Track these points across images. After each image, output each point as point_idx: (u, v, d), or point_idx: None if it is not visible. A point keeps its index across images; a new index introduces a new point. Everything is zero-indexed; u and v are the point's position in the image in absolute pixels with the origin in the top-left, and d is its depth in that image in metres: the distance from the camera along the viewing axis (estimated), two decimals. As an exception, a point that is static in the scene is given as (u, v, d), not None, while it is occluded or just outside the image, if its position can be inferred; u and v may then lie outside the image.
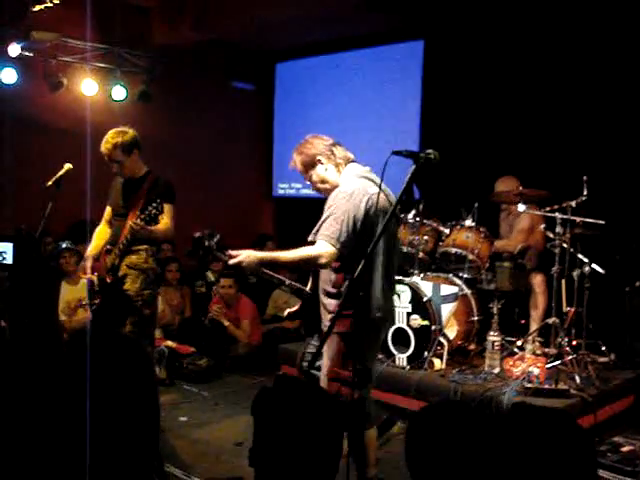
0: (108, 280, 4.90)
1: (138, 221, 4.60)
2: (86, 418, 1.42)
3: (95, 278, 4.94)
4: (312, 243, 3.61)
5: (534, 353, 5.70)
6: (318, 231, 3.60)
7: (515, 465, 1.68)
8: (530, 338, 5.86)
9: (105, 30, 8.06)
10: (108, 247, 4.94)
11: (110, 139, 4.86)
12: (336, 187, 3.76)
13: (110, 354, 1.59)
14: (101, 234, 5.12)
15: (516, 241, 6.31)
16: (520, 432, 1.76)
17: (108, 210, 5.16)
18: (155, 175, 5.00)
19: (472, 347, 6.14)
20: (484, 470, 1.76)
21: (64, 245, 6.71)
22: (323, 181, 3.82)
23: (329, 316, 3.65)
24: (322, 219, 3.64)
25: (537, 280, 6.28)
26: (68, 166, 5.14)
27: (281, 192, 10.01)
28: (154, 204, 4.54)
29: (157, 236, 4.95)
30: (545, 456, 1.65)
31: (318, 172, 3.81)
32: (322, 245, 3.53)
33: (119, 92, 8.19)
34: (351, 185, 3.70)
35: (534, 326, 6.13)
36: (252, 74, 9.91)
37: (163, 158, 5.42)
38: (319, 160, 3.80)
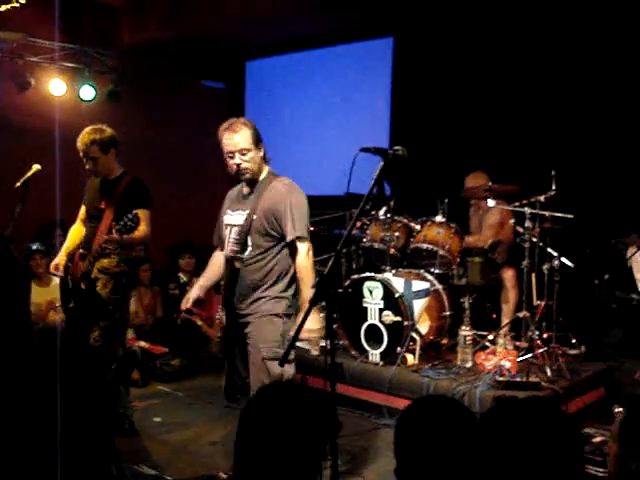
0: (83, 286, 4.86)
1: (114, 233, 4.56)
2: (53, 412, 1.43)
3: (62, 274, 4.90)
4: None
5: (505, 347, 5.74)
6: (295, 228, 3.80)
7: (507, 457, 1.70)
8: (501, 332, 5.90)
9: (73, 30, 7.97)
10: (82, 252, 4.89)
11: (87, 135, 4.83)
12: (257, 175, 3.94)
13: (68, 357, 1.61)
14: (76, 233, 5.09)
15: (486, 236, 6.36)
16: (506, 423, 1.78)
17: (83, 209, 5.12)
18: (130, 177, 4.96)
19: (444, 342, 6.19)
20: (473, 463, 1.78)
21: (34, 247, 6.65)
22: (257, 165, 3.92)
23: (272, 301, 3.88)
24: (293, 214, 3.81)
25: (508, 275, 6.33)
26: (36, 167, 5.08)
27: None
28: (130, 215, 4.50)
29: (134, 244, 4.95)
30: (533, 444, 1.67)
31: (258, 154, 3.91)
32: (306, 244, 3.83)
33: (88, 92, 8.11)
34: (290, 180, 3.98)
35: (505, 320, 6.18)
36: (222, 73, 9.87)
37: (132, 158, 5.37)
38: (260, 144, 3.93)
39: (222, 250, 4.10)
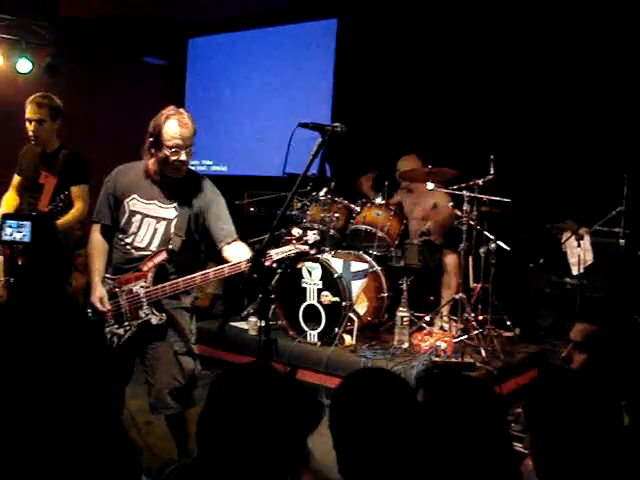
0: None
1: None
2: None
3: None
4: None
5: (442, 328, 5.82)
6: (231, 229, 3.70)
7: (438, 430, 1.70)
8: (439, 314, 5.97)
9: (9, 0, 7.75)
10: None
11: (40, 97, 4.84)
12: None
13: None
14: (9, 202, 4.99)
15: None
16: (439, 397, 1.78)
17: (17, 179, 5.00)
18: (69, 150, 4.89)
19: (382, 323, 6.21)
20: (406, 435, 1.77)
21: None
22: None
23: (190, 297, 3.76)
24: (227, 214, 3.74)
25: (450, 260, 6.25)
26: None
27: (192, 169, 9.85)
28: (62, 196, 4.44)
29: (71, 224, 4.83)
30: (463, 420, 1.67)
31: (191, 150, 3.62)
32: None
33: (24, 65, 7.91)
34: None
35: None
36: (164, 49, 9.70)
37: (70, 133, 5.26)
38: None
39: (108, 231, 3.77)
